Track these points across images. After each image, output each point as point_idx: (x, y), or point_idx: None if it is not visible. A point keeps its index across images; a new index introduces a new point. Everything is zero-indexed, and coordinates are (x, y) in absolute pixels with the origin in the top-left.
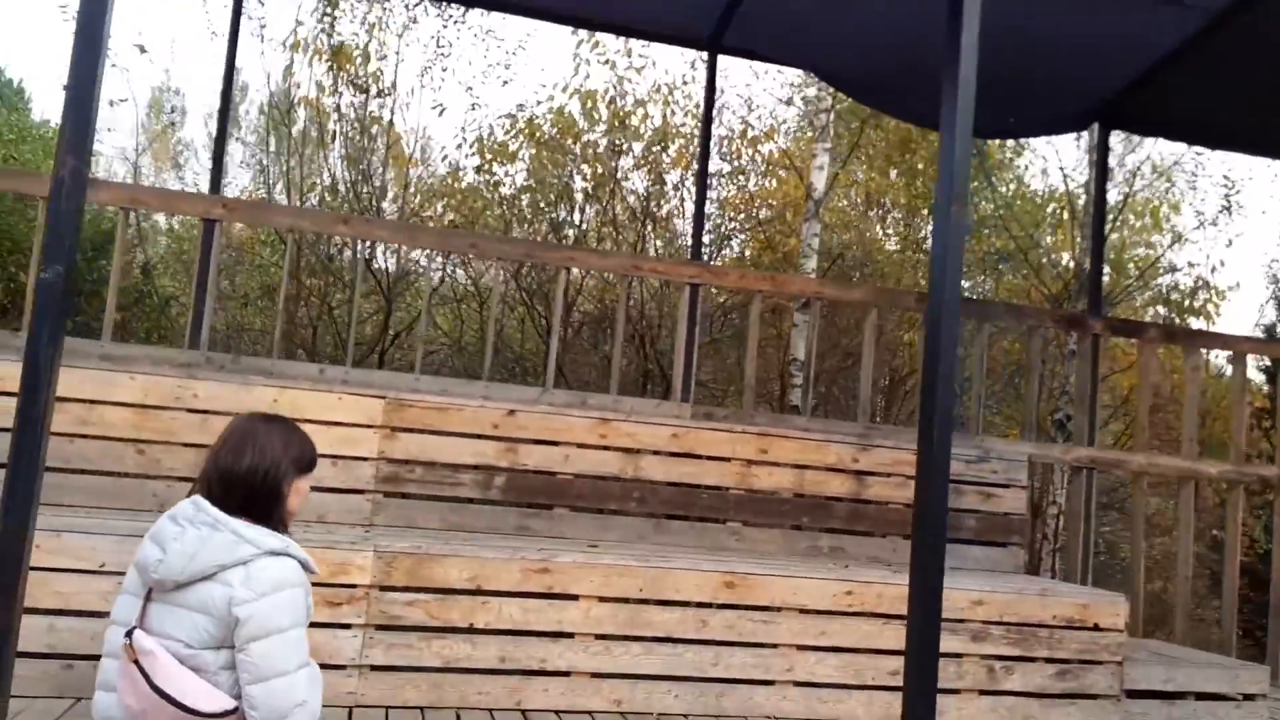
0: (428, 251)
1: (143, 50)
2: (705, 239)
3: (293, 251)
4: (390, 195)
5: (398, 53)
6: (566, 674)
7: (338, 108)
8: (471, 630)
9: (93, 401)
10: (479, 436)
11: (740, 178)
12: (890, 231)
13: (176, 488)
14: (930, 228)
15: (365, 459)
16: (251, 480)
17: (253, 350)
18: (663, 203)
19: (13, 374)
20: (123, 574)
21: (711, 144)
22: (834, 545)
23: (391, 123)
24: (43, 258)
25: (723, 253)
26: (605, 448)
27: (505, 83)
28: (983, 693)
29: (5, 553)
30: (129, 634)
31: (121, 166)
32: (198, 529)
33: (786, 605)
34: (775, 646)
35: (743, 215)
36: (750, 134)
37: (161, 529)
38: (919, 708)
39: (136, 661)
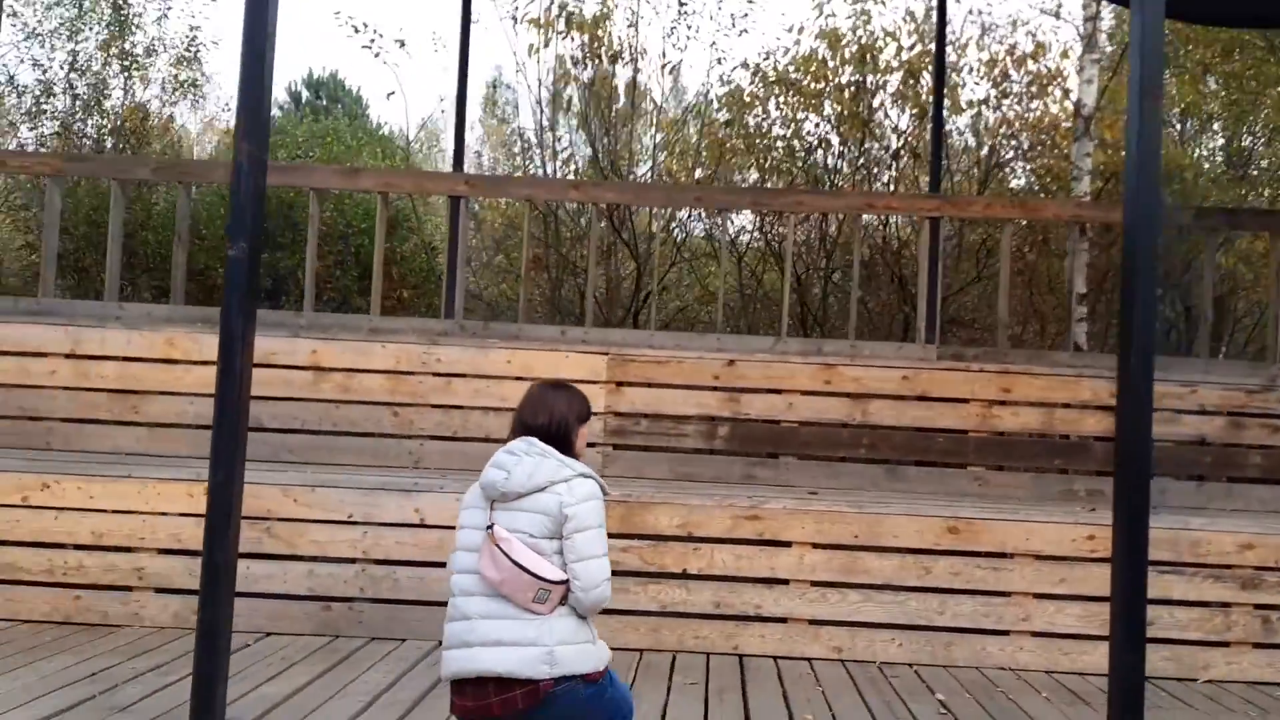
0: (686, 210)
1: (401, 44)
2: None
3: (535, 220)
4: (644, 158)
5: (641, 16)
6: (783, 620)
7: (592, 80)
8: (685, 576)
9: (352, 370)
10: (700, 388)
11: (1006, 101)
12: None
13: (428, 446)
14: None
15: (595, 414)
16: (548, 431)
17: (519, 318)
18: (924, 136)
19: (266, 347)
20: (368, 524)
21: (948, 65)
22: (1091, 488)
23: (635, 84)
24: (228, 236)
25: (989, 185)
26: (829, 393)
27: (742, 32)
28: (1257, 645)
29: (218, 500)
30: (489, 528)
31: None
32: (532, 458)
33: (1019, 551)
34: (1008, 595)
35: (1015, 142)
36: (1018, 52)
37: (500, 459)
38: (1127, 657)
39: (498, 545)
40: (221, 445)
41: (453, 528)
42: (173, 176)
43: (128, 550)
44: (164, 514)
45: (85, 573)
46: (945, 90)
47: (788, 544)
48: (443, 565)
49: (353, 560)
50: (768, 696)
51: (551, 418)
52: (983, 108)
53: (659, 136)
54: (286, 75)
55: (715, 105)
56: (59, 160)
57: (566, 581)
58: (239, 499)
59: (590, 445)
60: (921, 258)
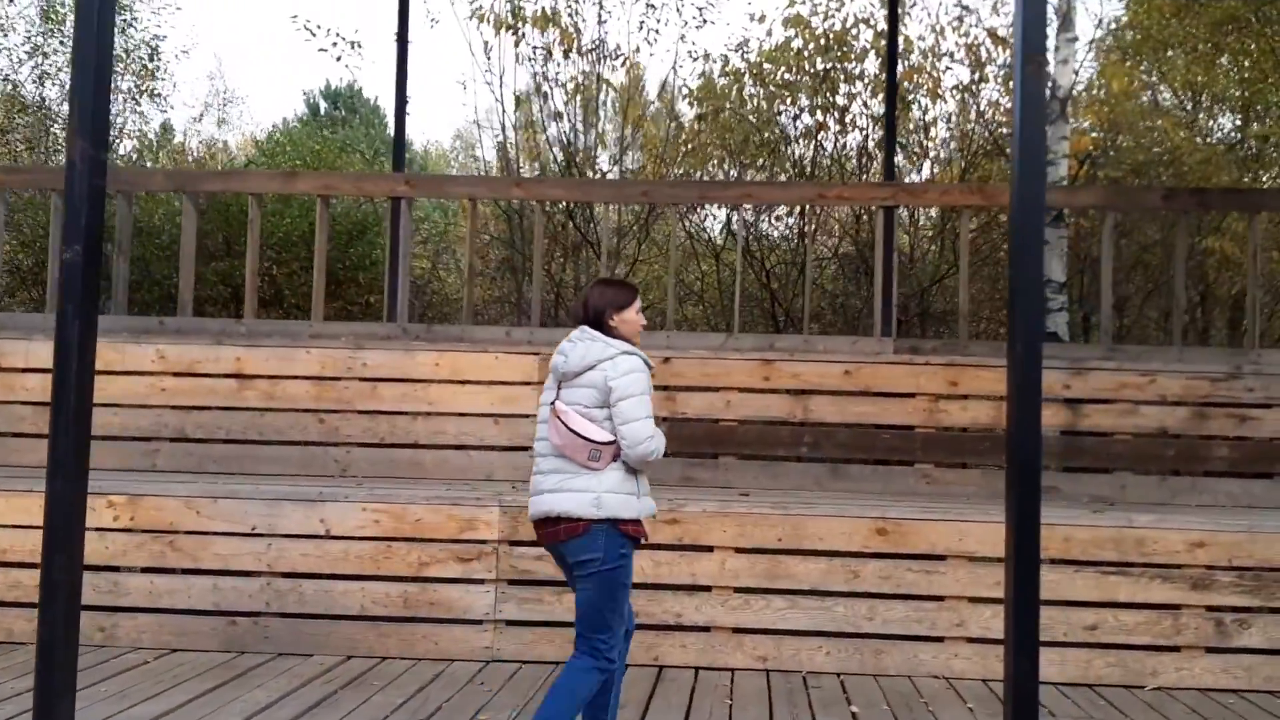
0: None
1: (354, 45)
2: (941, 162)
3: (499, 219)
4: (616, 154)
5: (609, 12)
6: (705, 629)
7: (553, 75)
8: None
9: (276, 377)
10: None
11: (987, 85)
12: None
13: (355, 453)
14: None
15: (525, 415)
16: (589, 319)
17: (464, 319)
18: (909, 124)
19: (189, 355)
20: (271, 535)
21: (901, 44)
22: (1047, 485)
23: (603, 80)
24: (63, 239)
25: (971, 174)
26: (770, 390)
27: (700, 26)
28: (1210, 650)
29: (55, 514)
30: (552, 403)
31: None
32: (584, 343)
33: (952, 553)
34: (941, 599)
35: (1002, 129)
36: (1001, 33)
37: (562, 345)
38: (1020, 663)
39: (559, 416)
40: (60, 456)
41: (357, 538)
42: (112, 186)
43: (33, 567)
44: None
45: None
46: (900, 72)
47: (709, 549)
48: (348, 578)
49: (257, 574)
50: (671, 712)
51: (587, 308)
52: (965, 94)
53: (630, 132)
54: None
55: (687, 97)
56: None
57: (614, 442)
58: (80, 512)
59: (523, 449)
60: (877, 248)
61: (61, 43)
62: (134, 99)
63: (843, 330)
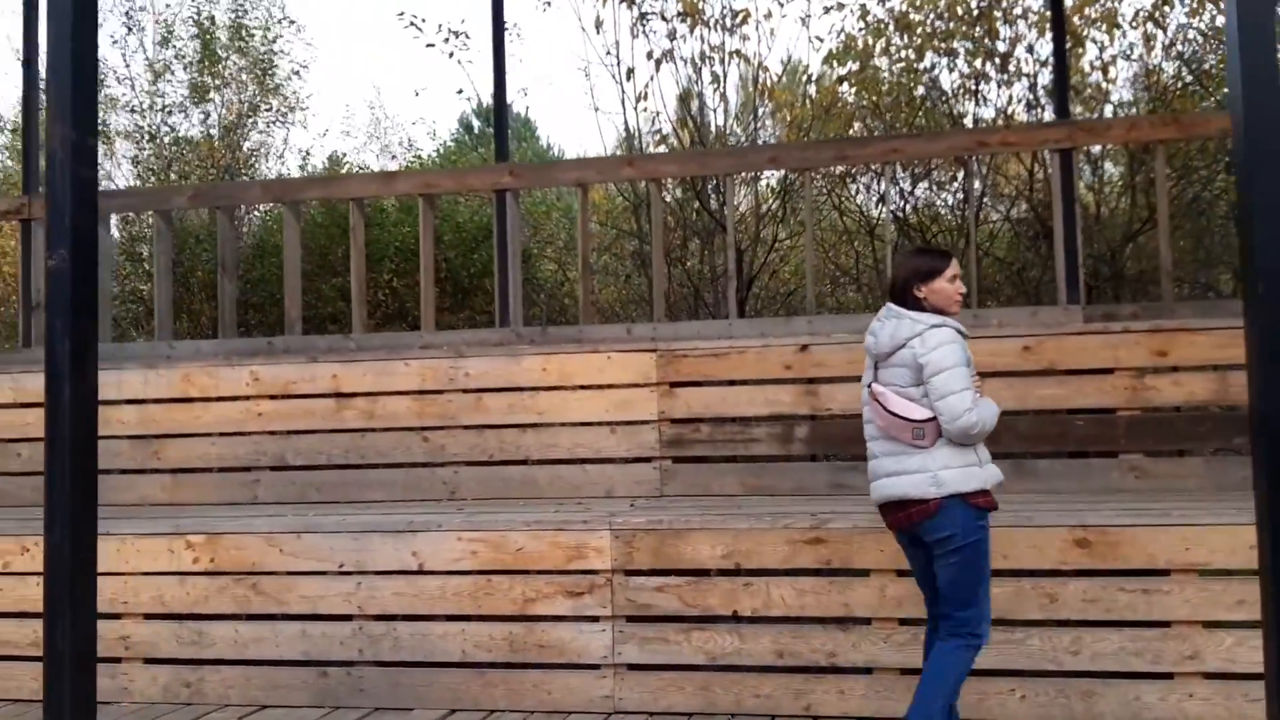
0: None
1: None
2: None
3: (626, 213)
4: (750, 128)
5: None
6: (866, 671)
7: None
8: (737, 619)
9: (374, 394)
10: (769, 382)
11: (1171, 10)
12: None
13: (464, 474)
14: None
15: (645, 422)
16: (894, 290)
17: (581, 318)
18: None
19: (283, 375)
20: (361, 573)
21: None
22: None
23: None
24: (47, 243)
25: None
26: None
27: None
28: None
29: (56, 568)
30: (870, 385)
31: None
32: (891, 320)
33: (1176, 566)
34: (1165, 625)
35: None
36: None
37: (872, 326)
38: None
39: (876, 399)
40: (57, 500)
41: (453, 572)
42: (208, 202)
43: (113, 617)
44: (146, 574)
45: None
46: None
47: (864, 572)
48: (446, 618)
49: (348, 617)
50: None
51: (894, 282)
52: (1149, 23)
53: (762, 101)
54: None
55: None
56: (101, 198)
57: (933, 420)
58: (90, 564)
59: (644, 461)
60: (1055, 203)
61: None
62: (281, 122)
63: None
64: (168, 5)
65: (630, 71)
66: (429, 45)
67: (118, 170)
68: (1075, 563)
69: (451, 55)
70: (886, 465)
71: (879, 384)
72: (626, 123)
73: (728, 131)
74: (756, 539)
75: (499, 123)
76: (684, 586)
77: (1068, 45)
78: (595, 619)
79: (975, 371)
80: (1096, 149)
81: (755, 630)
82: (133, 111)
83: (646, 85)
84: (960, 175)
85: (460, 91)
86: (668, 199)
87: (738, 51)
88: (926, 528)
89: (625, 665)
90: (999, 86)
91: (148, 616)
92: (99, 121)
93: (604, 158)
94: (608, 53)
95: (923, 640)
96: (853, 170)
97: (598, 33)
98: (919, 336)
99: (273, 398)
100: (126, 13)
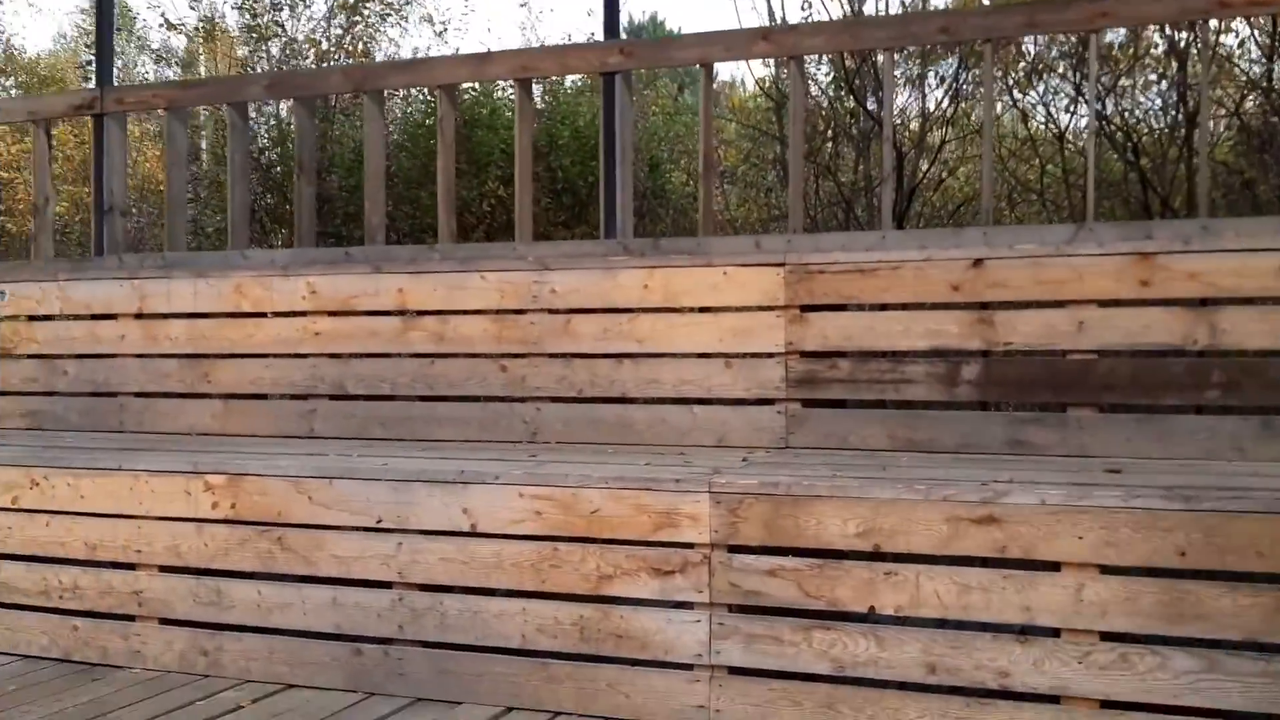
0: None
1: None
2: None
3: (708, 91)
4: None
5: None
6: (1053, 700)
7: None
8: (874, 619)
9: (444, 312)
10: (930, 307)
11: None
12: None
13: (547, 412)
14: None
15: (769, 355)
16: None
17: (701, 229)
18: None
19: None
20: (403, 531)
21: None
22: None
23: None
24: None
25: None
26: (1150, 302)
27: None
28: None
29: None
30: None
31: None
32: None
33: None
34: None
35: None
36: None
37: None
38: None
39: None
40: None
41: (513, 536)
42: (285, 92)
43: (127, 567)
44: (161, 519)
45: (81, 596)
46: None
47: (1054, 566)
48: (503, 593)
49: (387, 584)
50: None
51: None
52: None
53: None
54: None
55: None
56: (173, 89)
57: None
58: None
59: (766, 403)
60: None
61: None
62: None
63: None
64: None
65: None
66: None
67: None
68: None
69: None
70: None
71: None
72: (770, 7)
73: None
74: (905, 513)
75: None
76: (805, 571)
77: None
78: (689, 606)
79: None
80: None
81: (899, 635)
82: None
83: None
84: (1173, 67)
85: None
86: (815, 92)
87: None
88: None
89: (725, 668)
90: None
91: (163, 569)
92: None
93: (733, 31)
94: None
95: (1135, 663)
96: (1039, 68)
97: None
98: None
99: (332, 314)
100: None
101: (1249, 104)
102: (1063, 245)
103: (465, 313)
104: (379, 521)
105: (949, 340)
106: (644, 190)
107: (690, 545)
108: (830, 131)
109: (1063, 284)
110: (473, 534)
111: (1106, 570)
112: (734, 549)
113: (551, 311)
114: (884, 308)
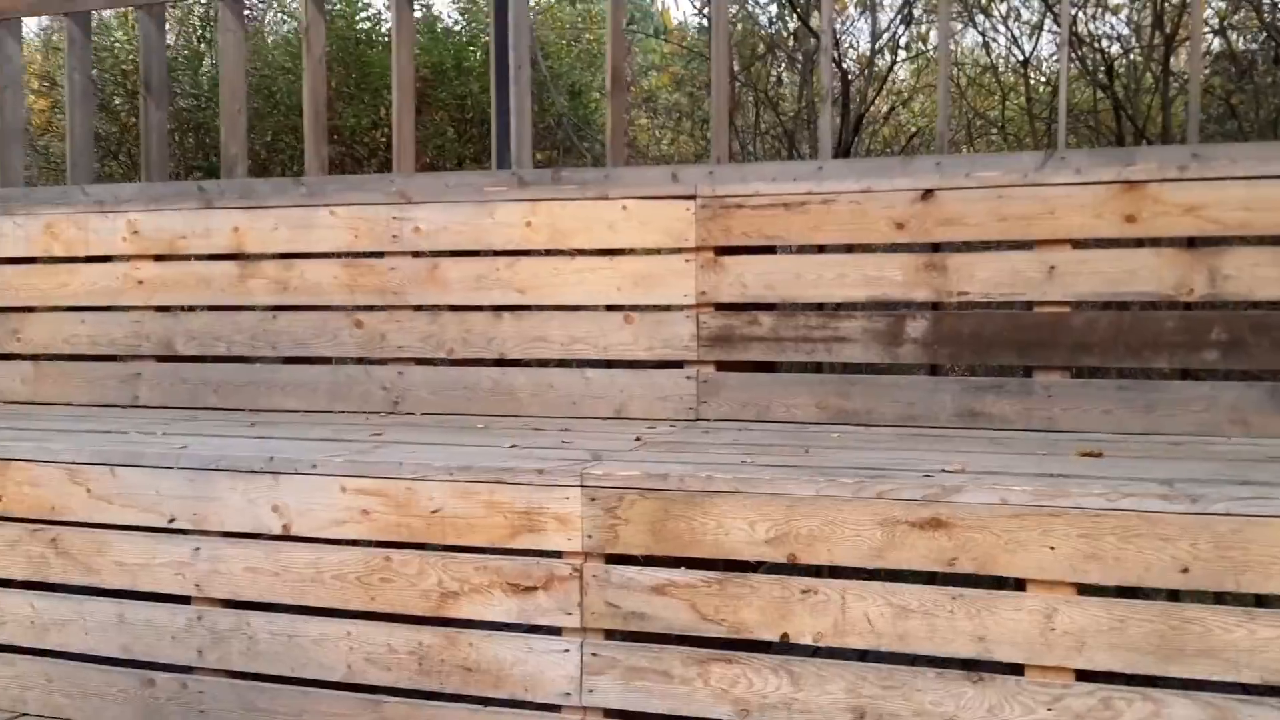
0: None
1: None
2: None
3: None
4: None
5: None
6: None
7: None
8: (787, 648)
9: (288, 255)
10: (870, 249)
11: None
12: None
13: (411, 376)
14: None
15: (678, 307)
16: None
17: (608, 157)
18: None
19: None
20: (201, 534)
21: None
22: None
23: None
24: None
25: None
26: (1135, 241)
27: None
28: None
29: None
30: None
31: None
32: None
33: None
34: None
35: None
36: None
37: None
38: None
39: None
40: None
41: (333, 541)
42: (129, 1)
43: None
44: None
45: None
46: None
47: (1018, 584)
48: (323, 612)
49: (183, 599)
50: None
51: None
52: None
53: None
54: None
55: None
56: None
57: None
58: None
59: (673, 365)
60: None
61: None
62: None
63: None
64: None
65: None
66: None
67: None
68: None
69: None
70: None
71: None
72: None
73: None
74: (828, 514)
75: None
76: (702, 588)
77: None
78: (555, 631)
79: None
80: None
81: (819, 670)
82: None
83: None
84: None
85: None
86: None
87: None
88: None
89: (600, 710)
90: None
91: None
92: None
93: None
94: None
95: (1121, 710)
96: None
97: None
98: None
99: (157, 258)
100: None
101: (1236, 19)
102: (1031, 173)
103: (312, 256)
104: (171, 521)
105: (891, 290)
106: (564, 121)
107: (557, 554)
108: (768, 52)
109: (1031, 220)
110: (285, 538)
111: (1085, 590)
112: (612, 559)
113: (415, 254)
114: (820, 249)
